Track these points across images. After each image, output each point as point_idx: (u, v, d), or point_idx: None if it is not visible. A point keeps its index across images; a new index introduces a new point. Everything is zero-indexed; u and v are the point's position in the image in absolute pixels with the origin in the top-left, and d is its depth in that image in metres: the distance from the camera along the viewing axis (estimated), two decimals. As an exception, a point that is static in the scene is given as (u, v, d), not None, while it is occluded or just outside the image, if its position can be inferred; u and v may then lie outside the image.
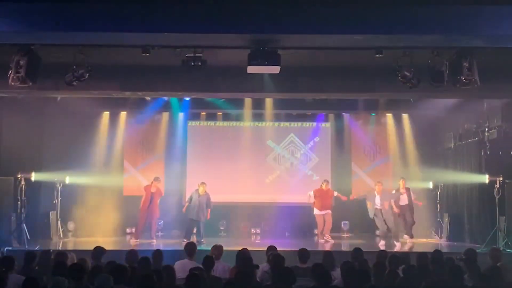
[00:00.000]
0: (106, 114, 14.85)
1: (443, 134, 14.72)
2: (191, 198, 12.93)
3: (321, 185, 13.64)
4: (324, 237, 13.17)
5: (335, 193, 13.66)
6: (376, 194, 13.23)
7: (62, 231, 13.46)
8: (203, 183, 13.01)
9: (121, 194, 15.03)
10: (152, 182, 13.35)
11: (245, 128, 15.56)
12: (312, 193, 13.55)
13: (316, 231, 13.90)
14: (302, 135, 15.69)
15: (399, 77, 9.40)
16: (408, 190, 13.59)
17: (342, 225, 14.49)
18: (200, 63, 9.01)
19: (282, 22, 7.70)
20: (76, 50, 9.06)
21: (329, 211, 13.41)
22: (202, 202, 12.78)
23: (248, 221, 14.78)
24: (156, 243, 12.65)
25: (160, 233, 14.31)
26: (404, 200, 13.49)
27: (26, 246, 11.07)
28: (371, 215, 13.30)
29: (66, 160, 13.59)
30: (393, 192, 13.63)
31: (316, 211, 13.43)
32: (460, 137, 13.81)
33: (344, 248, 11.97)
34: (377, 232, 13.68)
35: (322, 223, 13.33)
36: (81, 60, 9.18)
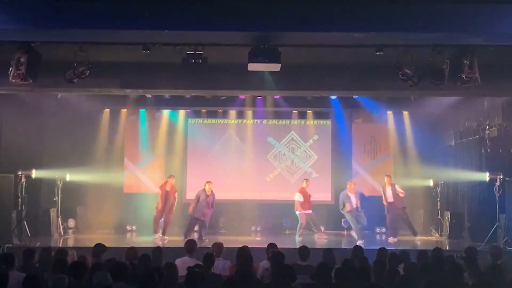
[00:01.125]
0: (106, 112, 14.87)
1: (444, 132, 14.72)
2: (198, 198, 12.86)
3: (302, 185, 13.57)
4: (321, 236, 13.14)
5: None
6: (348, 194, 13.00)
7: (63, 228, 13.47)
8: (209, 182, 12.98)
9: (122, 192, 15.05)
10: (167, 180, 13.26)
11: (246, 125, 15.58)
12: (298, 195, 13.38)
13: (315, 229, 13.86)
14: (303, 133, 15.68)
15: (400, 75, 9.40)
16: (393, 186, 13.33)
17: (342, 223, 14.48)
18: (200, 61, 9.01)
19: (283, 19, 7.69)
20: (77, 48, 9.05)
21: (311, 211, 13.33)
22: (209, 202, 12.80)
23: (249, 218, 14.77)
24: (157, 241, 12.66)
25: (160, 231, 14.31)
26: (390, 197, 13.29)
27: (27, 244, 11.08)
28: (347, 217, 13.10)
29: (66, 158, 13.61)
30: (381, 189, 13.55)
31: (301, 210, 13.30)
32: (460, 135, 13.81)
33: (344, 246, 11.97)
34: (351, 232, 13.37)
35: (305, 222, 13.28)
36: (81, 58, 9.18)
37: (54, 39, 8.69)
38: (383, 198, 13.31)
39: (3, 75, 9.11)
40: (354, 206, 12.92)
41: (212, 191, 12.89)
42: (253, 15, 7.66)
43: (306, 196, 13.39)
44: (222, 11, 7.59)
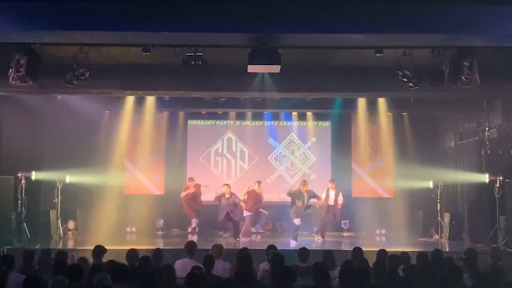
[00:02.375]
0: (106, 113, 14.87)
1: (443, 133, 14.73)
2: (220, 200, 13.17)
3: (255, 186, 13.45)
4: (242, 238, 12.96)
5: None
6: (303, 192, 12.69)
7: (62, 230, 13.45)
8: (226, 184, 13.29)
9: (122, 193, 15.05)
10: (187, 185, 13.36)
11: (246, 127, 15.59)
12: (245, 195, 13.27)
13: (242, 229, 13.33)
14: (302, 134, 15.69)
15: (400, 76, 9.40)
16: (337, 192, 13.45)
17: (342, 225, 14.49)
18: (200, 62, 9.00)
19: (282, 21, 7.70)
20: (77, 49, 9.06)
21: (252, 214, 13.17)
22: (230, 204, 13.01)
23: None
24: (157, 242, 12.66)
25: (160, 232, 14.34)
26: (331, 202, 13.38)
27: (27, 245, 11.07)
28: (295, 215, 12.58)
29: (66, 159, 13.59)
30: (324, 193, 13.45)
31: (246, 213, 13.14)
32: (460, 136, 13.81)
33: (344, 247, 11.97)
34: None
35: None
36: (81, 59, 9.18)
37: (54, 41, 8.70)
38: (323, 199, 13.26)
39: (3, 77, 9.12)
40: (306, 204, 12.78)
41: (231, 193, 13.15)
42: (252, 16, 7.67)
43: (252, 197, 13.23)
44: (222, 13, 7.60)
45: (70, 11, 7.51)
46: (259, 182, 13.61)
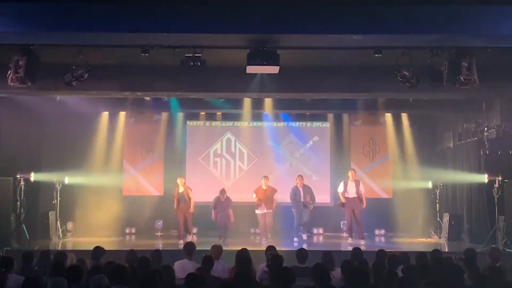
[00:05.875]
0: (105, 114, 14.84)
1: (442, 133, 14.73)
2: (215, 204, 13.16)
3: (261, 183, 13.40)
4: (266, 239, 12.86)
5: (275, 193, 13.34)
6: (298, 187, 13.19)
7: (62, 231, 13.46)
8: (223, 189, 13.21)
9: (121, 194, 15.04)
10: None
11: (245, 128, 15.58)
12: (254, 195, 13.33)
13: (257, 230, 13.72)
14: (302, 135, 15.69)
15: (398, 77, 9.39)
16: (357, 182, 13.24)
17: (342, 225, 14.48)
18: (199, 63, 9.00)
19: (281, 22, 7.70)
20: (75, 50, 9.03)
21: (270, 211, 13.18)
22: (224, 207, 13.06)
23: (248, 221, 14.74)
24: (156, 243, 12.67)
25: (159, 233, 14.34)
26: (352, 193, 13.13)
27: (26, 246, 11.07)
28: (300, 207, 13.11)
29: (65, 160, 13.61)
30: (341, 184, 13.36)
31: (257, 211, 13.27)
32: (459, 137, 13.81)
33: (344, 248, 11.97)
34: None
35: (264, 223, 13.17)
36: (80, 60, 9.15)
37: (53, 42, 8.68)
38: (342, 194, 13.16)
39: (1, 78, 9.10)
40: (302, 199, 13.10)
41: (226, 197, 13.09)
42: (251, 17, 7.67)
43: (261, 194, 13.26)
44: (221, 14, 7.60)
45: (69, 12, 7.50)
46: (265, 177, 13.49)
